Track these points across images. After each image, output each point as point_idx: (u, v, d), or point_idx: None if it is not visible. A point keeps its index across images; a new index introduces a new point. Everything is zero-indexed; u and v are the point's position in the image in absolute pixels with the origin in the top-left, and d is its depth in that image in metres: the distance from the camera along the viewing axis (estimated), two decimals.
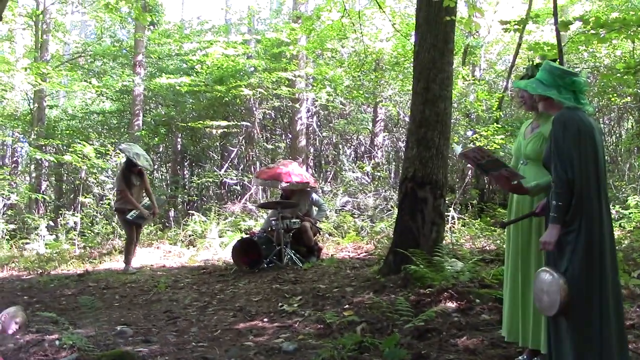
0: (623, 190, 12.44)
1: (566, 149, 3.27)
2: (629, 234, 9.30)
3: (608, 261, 3.32)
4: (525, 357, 3.94)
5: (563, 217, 3.28)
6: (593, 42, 9.87)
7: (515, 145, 4.14)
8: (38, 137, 16.24)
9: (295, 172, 9.48)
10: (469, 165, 3.96)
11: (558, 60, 6.53)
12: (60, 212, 15.18)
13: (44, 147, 16.40)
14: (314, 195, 9.56)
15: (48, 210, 17.12)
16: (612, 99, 14.40)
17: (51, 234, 13.12)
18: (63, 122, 20.59)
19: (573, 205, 3.26)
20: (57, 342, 4.75)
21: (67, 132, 19.18)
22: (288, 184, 9.19)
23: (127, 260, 9.33)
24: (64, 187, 19.44)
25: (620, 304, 3.45)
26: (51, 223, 14.04)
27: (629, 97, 14.42)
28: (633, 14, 8.92)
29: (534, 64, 4.04)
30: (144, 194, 9.50)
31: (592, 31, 7.03)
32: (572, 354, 3.25)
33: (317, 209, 9.53)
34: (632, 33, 7.07)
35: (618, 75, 8.83)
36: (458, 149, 3.98)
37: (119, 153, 14.51)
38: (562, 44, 7.46)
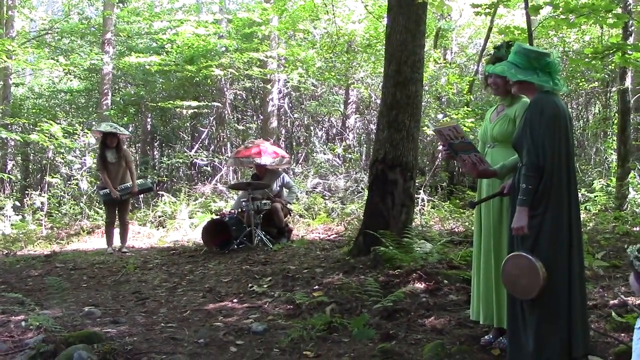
0: (589, 173, 12.66)
1: (541, 134, 3.30)
2: (594, 217, 9.48)
3: (575, 244, 3.39)
4: (491, 336, 4.00)
5: (531, 201, 3.32)
6: (563, 27, 9.97)
7: (482, 130, 4.17)
8: (3, 116, 15.90)
9: (269, 150, 9.43)
10: (439, 143, 3.98)
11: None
12: (27, 192, 14.95)
13: (9, 126, 16.08)
14: (285, 177, 9.54)
15: (14, 190, 16.86)
16: (580, 84, 14.60)
17: (17, 214, 12.92)
18: (29, 100, 20.23)
19: (540, 190, 3.31)
20: (23, 323, 4.70)
21: (34, 110, 18.85)
22: (275, 158, 9.16)
23: (107, 241, 9.22)
24: (30, 166, 19.12)
25: (584, 286, 3.53)
26: (17, 203, 13.83)
27: (596, 82, 14.63)
28: None
29: (497, 46, 4.05)
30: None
31: (561, 16, 7.10)
32: (535, 334, 3.32)
33: (287, 190, 9.51)
34: (600, 18, 7.15)
35: (586, 60, 8.94)
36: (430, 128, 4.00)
37: (87, 133, 14.33)
38: (532, 28, 7.52)
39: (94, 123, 17.33)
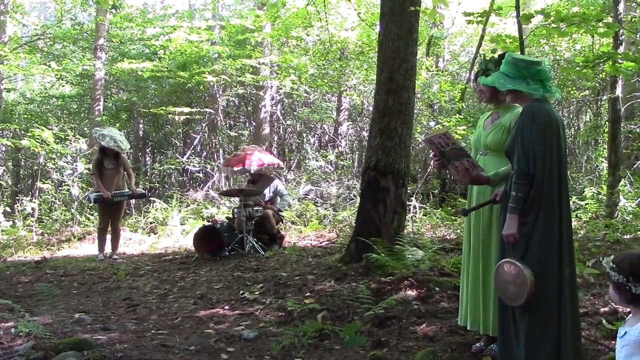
0: (580, 181, 12.73)
1: (531, 142, 3.32)
2: (584, 224, 9.51)
3: (565, 253, 3.39)
4: (482, 344, 4.01)
5: (521, 208, 3.34)
6: (554, 36, 10.04)
7: (475, 136, 4.18)
8: None
9: (254, 160, 9.38)
10: (431, 152, 3.97)
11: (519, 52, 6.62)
12: (18, 197, 14.86)
13: (0, 131, 16.01)
14: (278, 184, 9.52)
15: (5, 196, 16.75)
16: (572, 92, 14.69)
17: (8, 220, 12.83)
18: (21, 106, 20.15)
19: (531, 197, 3.33)
20: (12, 330, 4.66)
21: (25, 116, 18.78)
22: (260, 166, 9.15)
23: (99, 247, 9.18)
24: (21, 172, 19.04)
25: (575, 293, 3.54)
26: (8, 209, 13.73)
27: (587, 91, 14.73)
28: (593, 8, 9.09)
29: (489, 58, 4.08)
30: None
31: (553, 25, 7.15)
32: (525, 341, 3.32)
33: (279, 198, 9.48)
34: (591, 27, 7.20)
35: (577, 68, 9.00)
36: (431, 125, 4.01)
37: (79, 138, 14.28)
38: (524, 37, 7.57)
39: (85, 129, 17.27)
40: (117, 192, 8.97)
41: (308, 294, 5.75)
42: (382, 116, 6.83)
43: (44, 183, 14.02)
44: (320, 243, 9.61)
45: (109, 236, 9.26)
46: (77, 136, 14.66)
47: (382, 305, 4.92)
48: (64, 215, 12.73)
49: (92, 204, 11.57)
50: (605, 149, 11.77)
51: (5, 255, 9.97)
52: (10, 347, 4.26)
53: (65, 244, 10.98)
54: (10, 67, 16.06)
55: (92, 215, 12.60)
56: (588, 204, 10.47)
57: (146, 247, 10.38)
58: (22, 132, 15.84)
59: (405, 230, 7.17)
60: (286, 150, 18.52)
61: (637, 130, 12.72)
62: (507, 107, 3.92)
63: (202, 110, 16.81)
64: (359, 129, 18.04)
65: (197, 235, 8.72)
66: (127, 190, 9.21)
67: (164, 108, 15.63)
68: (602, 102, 14.49)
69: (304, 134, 18.77)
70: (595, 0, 13.78)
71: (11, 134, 16.94)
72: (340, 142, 17.01)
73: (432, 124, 13.27)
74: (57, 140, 14.07)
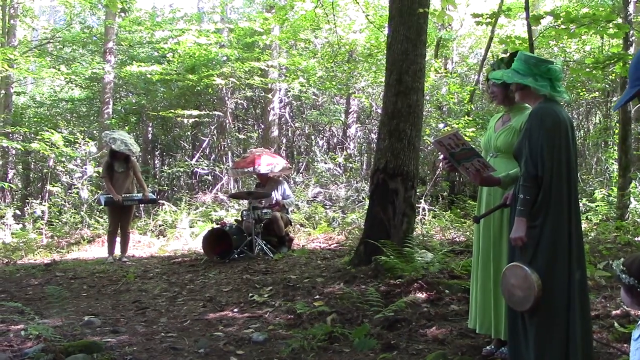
0: (590, 183, 12.66)
1: (539, 144, 3.28)
2: (595, 227, 9.46)
3: (574, 256, 3.35)
4: (493, 347, 3.98)
5: (529, 211, 3.30)
6: (563, 37, 10.01)
7: (485, 138, 4.15)
8: (5, 125, 15.92)
9: (264, 161, 9.40)
10: (440, 155, 3.94)
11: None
12: (28, 200, 14.94)
13: (10, 135, 16.10)
14: (286, 189, 9.50)
15: (15, 199, 16.85)
16: (581, 94, 14.63)
17: (18, 223, 12.90)
18: (31, 109, 20.28)
19: (539, 200, 3.29)
20: (22, 333, 4.67)
21: (35, 119, 18.89)
22: (268, 165, 9.20)
23: (108, 250, 9.21)
24: (31, 175, 19.14)
25: (586, 297, 3.50)
26: (18, 212, 13.82)
27: (597, 92, 14.66)
28: (602, 10, 9.05)
29: (501, 58, 4.05)
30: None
31: (562, 26, 7.12)
32: (534, 345, 3.30)
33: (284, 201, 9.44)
34: (601, 28, 7.17)
35: (587, 70, 8.95)
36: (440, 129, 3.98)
37: (89, 142, 14.34)
38: (533, 38, 7.54)
39: (95, 132, 17.34)
40: (128, 196, 9.00)
41: (317, 296, 5.74)
42: (391, 118, 6.82)
43: (53, 186, 14.08)
44: (329, 245, 9.60)
45: (118, 239, 9.29)
46: (87, 139, 14.72)
47: (392, 307, 4.90)
48: (74, 218, 12.79)
49: (101, 207, 11.60)
50: (615, 150, 11.71)
51: (15, 258, 10.02)
52: (20, 350, 4.26)
53: (74, 246, 11.02)
54: (20, 71, 16.16)
55: (101, 218, 12.65)
56: (598, 206, 10.41)
57: (155, 250, 10.40)
58: (32, 135, 15.93)
59: (414, 233, 7.15)
60: (295, 153, 18.53)
61: None
62: (518, 109, 3.89)
63: (210, 113, 16.84)
64: (367, 131, 18.03)
65: (206, 238, 8.72)
66: (138, 194, 9.22)
67: (172, 111, 15.67)
68: (612, 104, 14.41)
69: (313, 137, 18.77)
70: (605, 1, 13.73)
71: (21, 137, 17.05)
72: (348, 144, 17.00)
73: (441, 126, 13.24)
74: (67, 143, 14.14)
